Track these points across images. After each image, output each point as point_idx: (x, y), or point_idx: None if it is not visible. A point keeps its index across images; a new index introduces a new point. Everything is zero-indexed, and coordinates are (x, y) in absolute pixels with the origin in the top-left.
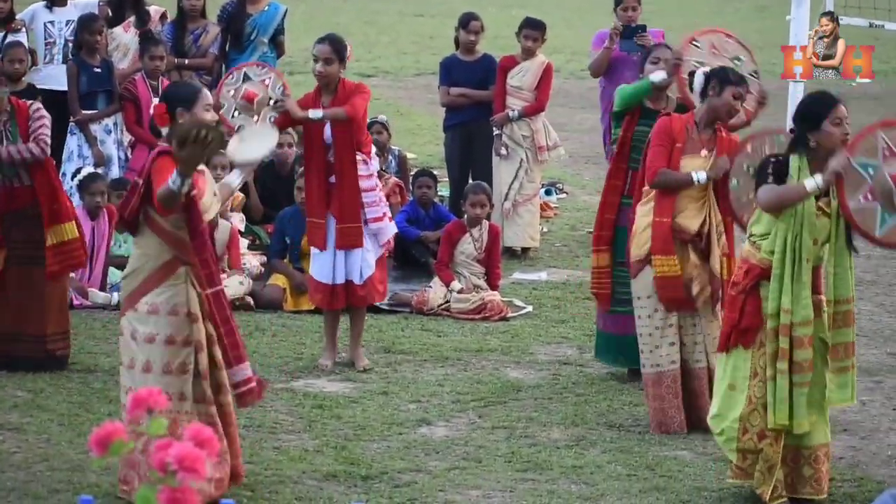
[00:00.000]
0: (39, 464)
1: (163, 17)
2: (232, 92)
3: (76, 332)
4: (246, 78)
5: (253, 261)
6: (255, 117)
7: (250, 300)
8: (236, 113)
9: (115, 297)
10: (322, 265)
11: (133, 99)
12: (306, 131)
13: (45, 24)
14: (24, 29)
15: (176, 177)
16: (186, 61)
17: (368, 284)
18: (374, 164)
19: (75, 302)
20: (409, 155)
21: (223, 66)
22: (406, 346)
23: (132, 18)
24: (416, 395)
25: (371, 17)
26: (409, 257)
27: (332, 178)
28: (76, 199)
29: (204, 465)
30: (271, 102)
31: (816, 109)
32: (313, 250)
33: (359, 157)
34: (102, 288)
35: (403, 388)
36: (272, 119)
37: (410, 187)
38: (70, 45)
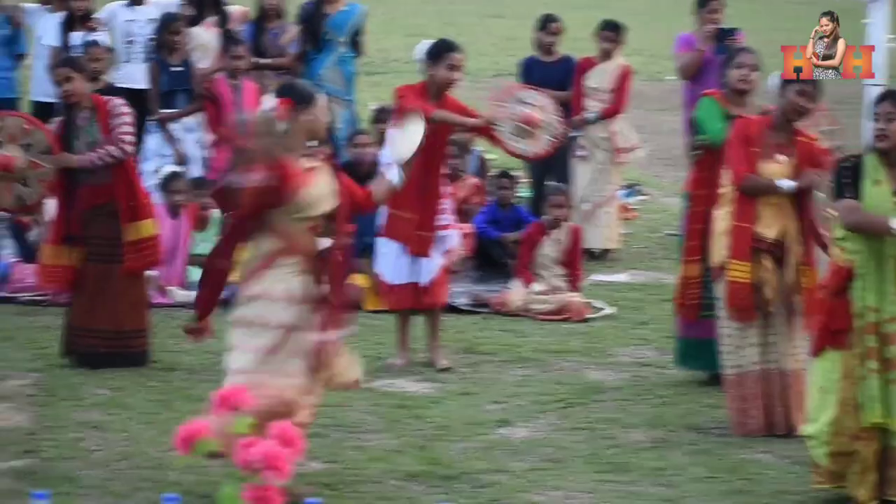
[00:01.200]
0: (121, 461)
1: (244, 16)
2: (506, 115)
3: (157, 331)
4: (520, 101)
5: None
6: (529, 140)
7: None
8: (513, 135)
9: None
10: (390, 265)
11: (214, 98)
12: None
13: (125, 22)
14: (102, 28)
15: None
16: (266, 61)
17: (432, 288)
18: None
19: (155, 300)
20: (489, 156)
21: (301, 66)
22: (486, 346)
23: (213, 18)
24: (497, 396)
25: (450, 19)
26: (489, 258)
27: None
28: (157, 198)
29: (288, 464)
30: (544, 128)
31: None
32: (382, 249)
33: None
34: (183, 286)
35: (484, 389)
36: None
37: (490, 188)
38: (150, 43)
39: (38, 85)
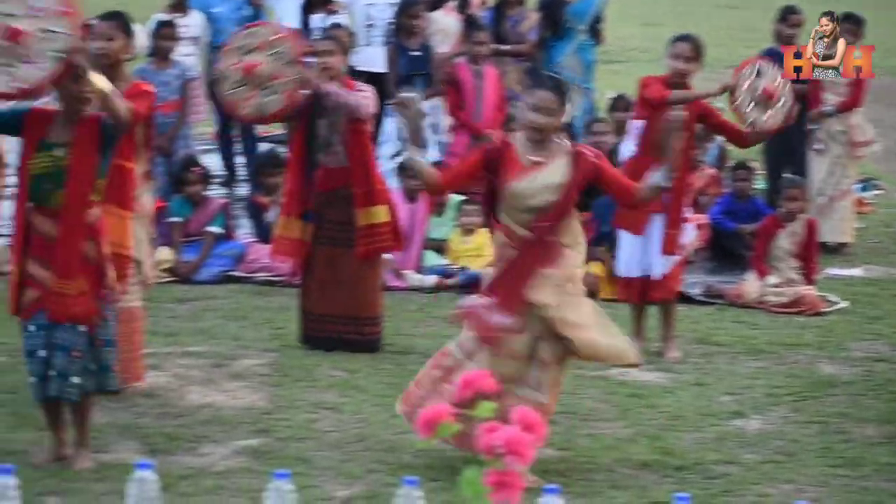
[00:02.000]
0: (355, 444)
1: (482, 2)
2: (746, 85)
3: (392, 315)
4: (759, 73)
5: None
6: (768, 113)
7: None
8: (751, 106)
9: (431, 279)
10: (625, 257)
11: (455, 83)
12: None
13: (365, 6)
14: (342, 10)
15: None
16: (506, 47)
17: (663, 282)
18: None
19: (391, 283)
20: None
21: (540, 52)
22: (721, 337)
23: (453, 2)
24: (731, 387)
25: (686, 9)
26: (725, 249)
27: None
28: (394, 182)
29: (530, 450)
30: (780, 104)
31: None
32: (621, 241)
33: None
34: (418, 270)
35: (718, 380)
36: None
37: (727, 179)
38: (390, 27)
39: None
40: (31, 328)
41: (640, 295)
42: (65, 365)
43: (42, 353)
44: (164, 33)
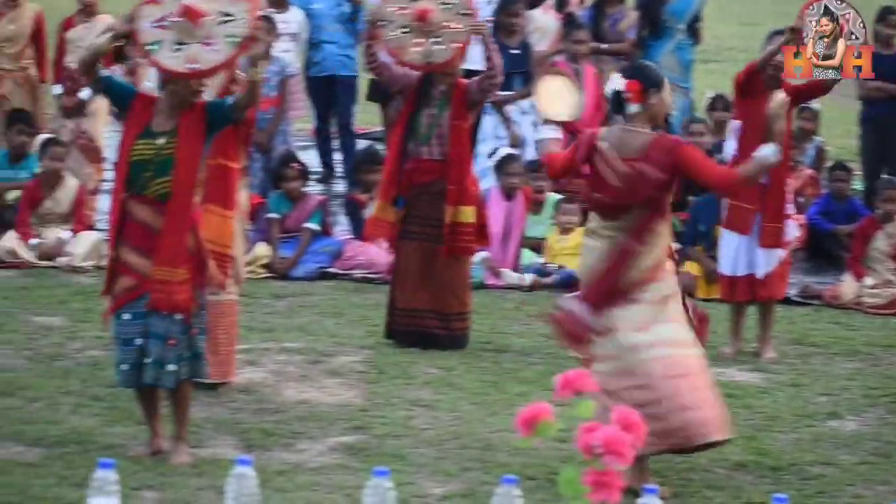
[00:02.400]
0: (451, 441)
1: (581, 0)
2: (814, 22)
3: (488, 312)
4: (826, 10)
5: None
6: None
7: None
8: (816, 39)
9: (528, 277)
10: (729, 256)
11: None
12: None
13: None
14: None
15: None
16: (604, 46)
17: (769, 281)
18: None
19: (488, 282)
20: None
21: (638, 51)
22: (817, 338)
23: (551, 1)
24: (827, 388)
25: (784, 8)
26: (822, 250)
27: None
28: (491, 180)
29: (630, 449)
30: (853, 38)
31: None
32: (723, 240)
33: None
34: (515, 269)
35: (814, 381)
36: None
37: (825, 180)
38: (488, 25)
39: None
40: (126, 316)
41: (745, 294)
42: (161, 352)
43: (138, 341)
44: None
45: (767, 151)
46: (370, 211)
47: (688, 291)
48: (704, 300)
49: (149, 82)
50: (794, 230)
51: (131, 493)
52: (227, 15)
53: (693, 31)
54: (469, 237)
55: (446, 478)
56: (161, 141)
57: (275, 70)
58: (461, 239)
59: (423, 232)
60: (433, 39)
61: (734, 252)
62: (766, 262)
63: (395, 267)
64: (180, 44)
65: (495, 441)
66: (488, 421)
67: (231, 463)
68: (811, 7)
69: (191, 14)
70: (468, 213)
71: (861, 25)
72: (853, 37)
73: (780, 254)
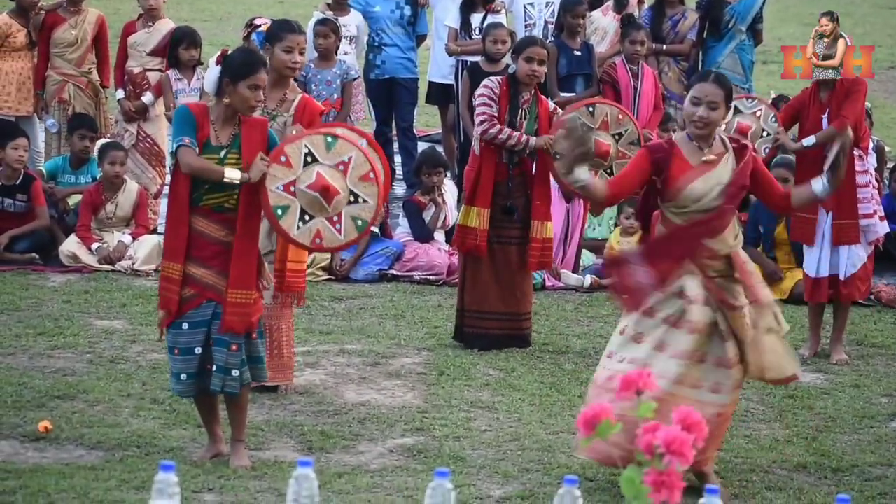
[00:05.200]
0: (510, 442)
1: (640, 1)
2: (723, 127)
3: (548, 314)
4: (737, 111)
5: None
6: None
7: None
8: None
9: (588, 279)
10: (809, 257)
11: (613, 83)
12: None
13: (524, 6)
14: (503, 10)
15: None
16: (664, 47)
17: (851, 281)
18: (871, 159)
19: (548, 283)
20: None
21: (699, 53)
22: (879, 339)
23: (611, 2)
24: (888, 389)
25: (846, 9)
26: (884, 251)
27: None
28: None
29: (691, 449)
30: (764, 134)
31: None
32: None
33: (856, 151)
34: (575, 270)
35: (875, 382)
36: (766, 150)
37: (887, 180)
38: (550, 26)
39: (436, 66)
40: (185, 325)
41: (827, 295)
42: (226, 359)
43: (198, 350)
44: (324, 32)
45: (818, 188)
46: (429, 216)
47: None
48: None
49: (197, 80)
50: (881, 227)
51: (192, 496)
52: (356, 196)
53: (754, 32)
54: (551, 252)
55: (505, 479)
56: (221, 154)
57: (337, 73)
58: (546, 254)
59: (497, 235)
60: (605, 171)
61: (818, 252)
62: (849, 262)
63: (465, 270)
64: (307, 214)
65: (555, 442)
66: (548, 422)
67: (291, 465)
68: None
69: (328, 193)
70: (551, 229)
71: (773, 119)
72: (764, 133)
73: (863, 255)
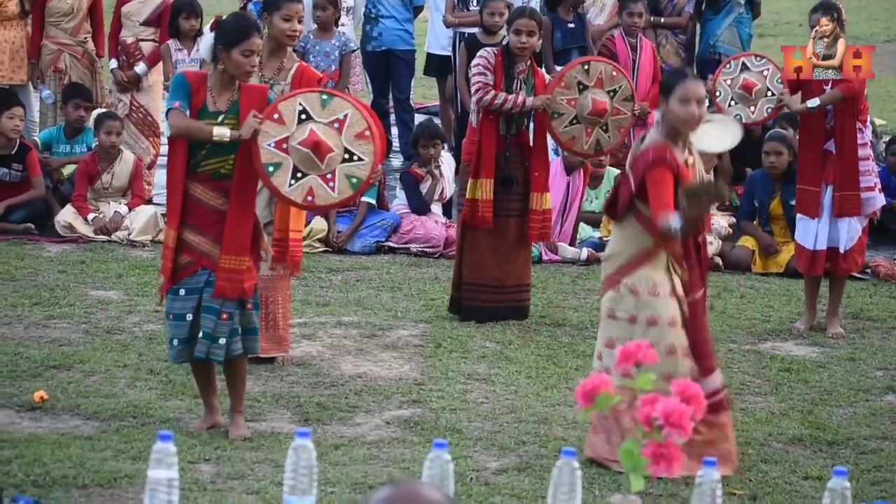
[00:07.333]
0: (507, 415)
1: None
2: (729, 81)
3: (544, 287)
4: (744, 67)
5: (721, 221)
6: (752, 108)
7: (719, 261)
8: (732, 102)
9: (584, 252)
10: (807, 230)
11: (612, 56)
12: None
13: None
14: None
15: (677, 225)
16: (662, 20)
17: (849, 255)
18: (868, 132)
19: (544, 257)
20: (878, 121)
21: (696, 25)
22: (874, 312)
23: None
24: (884, 363)
25: None
26: (879, 224)
27: (831, 146)
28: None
29: (689, 422)
30: (769, 94)
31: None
32: (800, 215)
33: (856, 125)
34: (572, 243)
35: (871, 355)
36: (769, 110)
37: (882, 154)
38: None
39: (434, 38)
40: (181, 292)
41: (822, 266)
42: (213, 327)
43: (189, 316)
44: (323, 3)
45: (673, 222)
46: (426, 188)
47: (744, 265)
48: (761, 274)
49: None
50: (879, 199)
51: (188, 466)
52: (351, 154)
53: (752, 6)
54: (550, 223)
55: (502, 451)
56: (218, 121)
57: (335, 45)
58: (546, 226)
59: (497, 208)
60: (601, 128)
61: (815, 226)
62: (848, 236)
63: (462, 242)
64: (299, 172)
65: (551, 415)
66: (544, 395)
67: (287, 437)
68: (728, 66)
69: (320, 149)
70: (549, 200)
71: (779, 81)
72: (769, 93)
73: (859, 227)
